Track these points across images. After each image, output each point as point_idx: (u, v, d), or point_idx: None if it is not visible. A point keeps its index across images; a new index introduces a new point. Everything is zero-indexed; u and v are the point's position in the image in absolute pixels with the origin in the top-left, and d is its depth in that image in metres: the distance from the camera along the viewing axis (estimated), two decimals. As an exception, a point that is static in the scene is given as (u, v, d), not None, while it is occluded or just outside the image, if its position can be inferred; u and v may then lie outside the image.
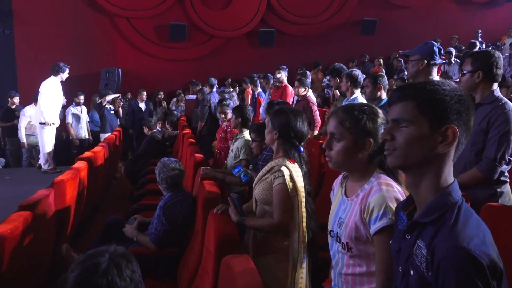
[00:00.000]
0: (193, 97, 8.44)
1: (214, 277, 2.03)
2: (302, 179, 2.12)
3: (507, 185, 2.33)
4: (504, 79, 6.67)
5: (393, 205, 1.38)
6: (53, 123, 6.11)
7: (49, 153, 6.10)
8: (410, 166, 1.07)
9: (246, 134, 3.63)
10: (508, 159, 2.25)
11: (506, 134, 2.19)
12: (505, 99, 2.30)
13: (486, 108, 2.27)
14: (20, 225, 2.36)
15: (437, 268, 0.94)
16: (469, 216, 1.00)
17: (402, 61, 9.62)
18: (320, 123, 5.11)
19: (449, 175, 1.06)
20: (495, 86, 2.33)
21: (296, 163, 2.13)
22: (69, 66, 6.16)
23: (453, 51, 8.93)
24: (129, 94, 9.84)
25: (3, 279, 2.22)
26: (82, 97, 7.68)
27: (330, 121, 1.53)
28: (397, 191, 1.44)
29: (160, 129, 7.41)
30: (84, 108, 7.77)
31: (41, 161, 6.23)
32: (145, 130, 6.41)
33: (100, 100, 7.93)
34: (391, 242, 1.18)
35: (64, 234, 3.43)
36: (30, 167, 7.11)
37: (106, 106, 7.92)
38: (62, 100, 6.39)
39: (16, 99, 7.50)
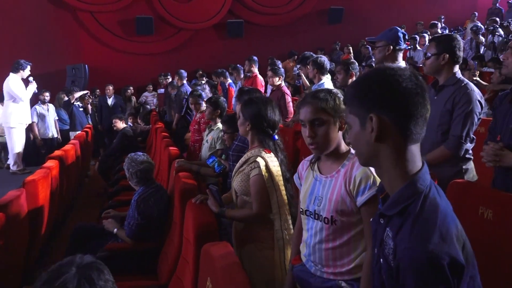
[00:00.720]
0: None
1: (195, 266, 2.06)
2: (279, 168, 2.14)
3: (471, 162, 2.45)
4: (466, 62, 6.91)
5: (377, 177, 1.47)
6: (27, 122, 5.97)
7: (18, 153, 5.93)
8: (368, 160, 1.09)
9: (220, 125, 3.65)
10: (472, 137, 2.37)
11: (470, 113, 2.30)
12: (466, 80, 2.41)
13: (449, 89, 2.37)
14: (-8, 227, 2.31)
15: (397, 267, 0.95)
16: (433, 209, 0.97)
17: (370, 48, 9.80)
18: (293, 114, 5.15)
19: (412, 164, 1.02)
20: (457, 68, 2.44)
21: (271, 152, 2.16)
22: (30, 63, 5.93)
23: (418, 37, 9.16)
24: (98, 90, 9.62)
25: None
26: (47, 94, 7.43)
27: (304, 110, 1.61)
28: None
29: (132, 124, 7.31)
30: (51, 106, 7.53)
31: (10, 162, 6.04)
32: (117, 124, 6.25)
33: (68, 98, 7.71)
34: (371, 220, 1.19)
35: (38, 234, 3.36)
36: (-2, 169, 6.88)
37: (74, 103, 7.72)
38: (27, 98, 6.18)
39: None
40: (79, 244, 3.02)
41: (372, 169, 1.49)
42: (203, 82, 8.04)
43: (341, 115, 1.59)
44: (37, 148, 7.24)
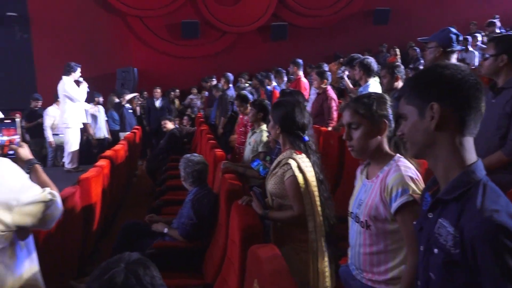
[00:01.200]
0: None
1: (240, 267, 2.07)
2: (311, 169, 2.14)
3: (533, 170, 2.30)
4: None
5: (412, 184, 1.47)
6: (82, 121, 6.34)
7: (74, 152, 6.26)
8: (423, 150, 1.12)
9: (264, 127, 3.67)
10: None
11: None
12: None
13: (509, 92, 2.25)
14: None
15: (471, 246, 0.95)
16: (496, 194, 1.00)
17: (418, 50, 9.48)
18: (335, 120, 5.06)
19: (469, 154, 1.07)
20: None
21: (303, 154, 2.16)
22: (80, 65, 6.19)
23: (470, 38, 8.75)
24: (146, 93, 9.97)
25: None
26: (100, 98, 7.79)
27: (345, 113, 1.65)
28: (415, 173, 1.52)
29: (177, 126, 7.50)
30: (101, 108, 7.88)
31: (65, 160, 6.38)
32: (166, 125, 6.41)
33: (119, 100, 8.04)
34: (414, 223, 1.21)
35: (90, 231, 3.51)
36: (54, 166, 7.27)
37: (125, 105, 8.04)
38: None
39: (40, 103, 7.66)
40: (127, 241, 3.13)
41: (407, 175, 1.49)
42: (246, 84, 8.12)
43: (380, 120, 1.58)
44: (89, 147, 7.59)
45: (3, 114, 7.95)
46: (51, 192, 1.48)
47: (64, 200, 2.75)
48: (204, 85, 10.00)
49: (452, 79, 1.05)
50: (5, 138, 1.64)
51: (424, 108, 1.07)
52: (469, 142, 1.07)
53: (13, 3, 10.08)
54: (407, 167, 1.53)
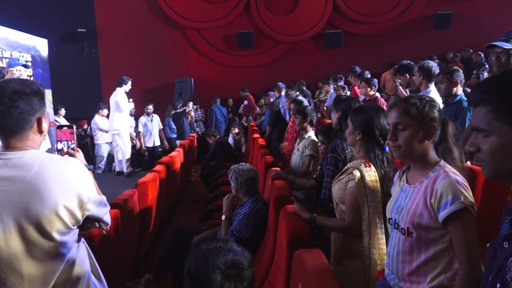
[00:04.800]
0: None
1: (287, 273, 2.08)
2: (377, 183, 2.01)
3: None
4: None
5: (463, 190, 1.41)
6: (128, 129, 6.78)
7: (128, 158, 6.71)
8: (505, 176, 0.94)
9: (311, 133, 3.70)
10: None
11: None
12: None
13: None
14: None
15: None
16: None
17: (482, 55, 8.97)
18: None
19: None
20: None
21: (371, 166, 2.04)
22: (131, 79, 6.75)
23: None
24: (198, 103, 10.36)
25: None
26: (150, 107, 8.13)
27: (392, 113, 1.60)
28: (464, 180, 1.47)
29: (235, 135, 7.71)
30: (155, 117, 8.22)
31: (123, 165, 6.78)
32: (210, 141, 6.67)
33: (183, 108, 8.40)
34: (488, 245, 1.03)
35: (146, 232, 3.68)
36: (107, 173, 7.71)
37: (186, 114, 8.39)
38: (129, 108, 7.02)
39: (105, 111, 8.16)
40: (178, 244, 3.20)
41: (458, 181, 1.42)
42: (297, 93, 8.15)
43: (430, 124, 1.53)
44: (140, 155, 8.00)
45: (73, 122, 8.64)
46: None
47: (123, 202, 2.94)
48: (242, 94, 10.29)
49: None
50: (63, 144, 1.77)
51: None
52: None
53: (83, 20, 10.89)
54: (456, 174, 1.48)
